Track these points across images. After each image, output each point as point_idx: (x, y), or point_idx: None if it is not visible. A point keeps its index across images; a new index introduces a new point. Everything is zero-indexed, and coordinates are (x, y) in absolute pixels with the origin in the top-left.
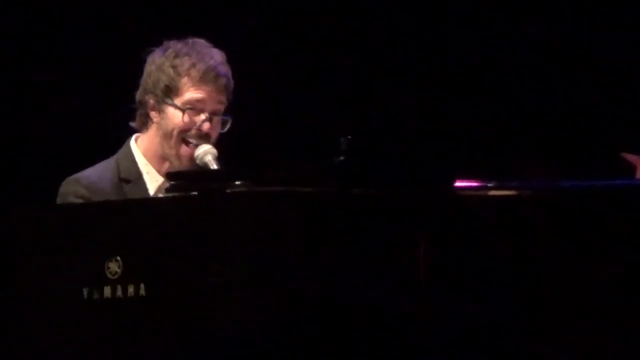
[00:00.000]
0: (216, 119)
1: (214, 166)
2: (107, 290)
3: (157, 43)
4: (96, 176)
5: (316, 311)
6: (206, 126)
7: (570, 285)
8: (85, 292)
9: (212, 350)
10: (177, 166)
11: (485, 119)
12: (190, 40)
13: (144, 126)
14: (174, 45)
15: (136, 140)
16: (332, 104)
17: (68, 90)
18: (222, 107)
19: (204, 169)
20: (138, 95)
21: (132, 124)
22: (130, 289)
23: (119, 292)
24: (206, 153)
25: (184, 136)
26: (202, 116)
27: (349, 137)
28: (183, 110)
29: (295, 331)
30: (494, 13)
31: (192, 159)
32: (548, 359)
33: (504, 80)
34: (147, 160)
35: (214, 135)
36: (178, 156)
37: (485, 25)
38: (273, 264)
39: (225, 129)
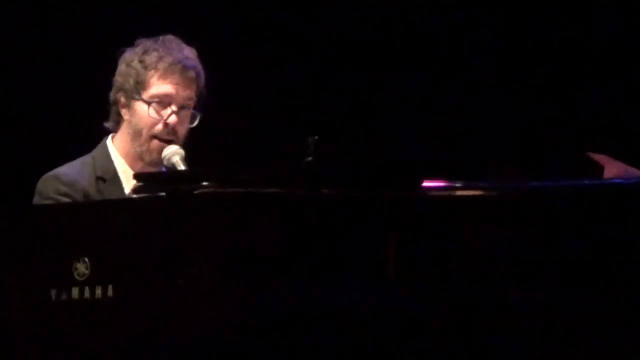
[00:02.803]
0: (184, 113)
1: (181, 167)
2: (75, 292)
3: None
4: (74, 173)
5: (285, 312)
6: (173, 120)
7: (538, 285)
8: (53, 293)
9: (181, 351)
10: (148, 160)
11: (452, 120)
12: (161, 37)
13: (117, 125)
14: (143, 43)
15: (112, 139)
16: (299, 104)
17: (40, 90)
18: (190, 102)
19: (171, 169)
20: (111, 94)
21: (106, 124)
22: (98, 290)
23: (87, 294)
24: (174, 154)
25: (152, 133)
26: (168, 110)
27: (317, 137)
28: (149, 104)
29: (264, 332)
30: (463, 13)
31: (161, 150)
32: (515, 357)
33: (470, 81)
34: (123, 159)
35: (182, 130)
36: (148, 152)
37: (454, 24)
38: (241, 265)
39: (194, 124)
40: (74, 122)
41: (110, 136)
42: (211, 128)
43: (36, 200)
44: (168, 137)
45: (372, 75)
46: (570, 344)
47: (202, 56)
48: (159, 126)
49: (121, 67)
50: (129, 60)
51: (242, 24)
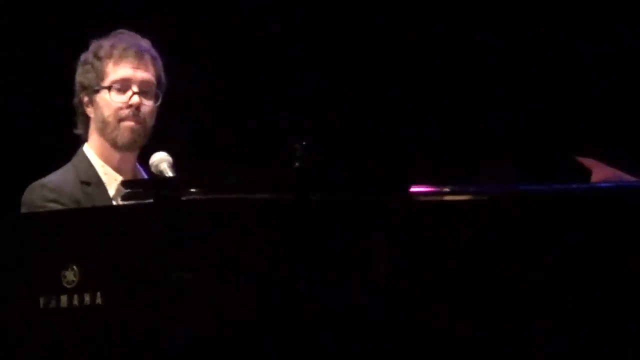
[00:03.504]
0: (146, 95)
1: (169, 173)
2: (64, 299)
3: None
4: (59, 180)
5: (275, 317)
6: (135, 100)
7: (527, 289)
8: (41, 301)
9: (171, 358)
10: (122, 143)
11: (440, 124)
12: (113, 32)
13: (87, 128)
14: (96, 41)
15: (88, 146)
16: (287, 109)
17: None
18: (150, 86)
19: (159, 176)
20: (75, 100)
21: (77, 131)
22: (87, 298)
23: (76, 301)
24: (161, 160)
25: (118, 117)
26: (129, 92)
27: (305, 142)
28: (109, 89)
29: (254, 338)
30: (444, 17)
31: (132, 130)
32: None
33: (457, 86)
34: (102, 161)
35: (147, 111)
36: (120, 134)
37: (441, 29)
38: (229, 271)
39: (157, 103)
40: (54, 132)
41: (85, 145)
42: (199, 134)
43: (24, 211)
44: (134, 119)
45: (360, 79)
46: (558, 347)
47: (189, 60)
48: (124, 110)
49: (79, 69)
50: (84, 60)
51: (230, 31)
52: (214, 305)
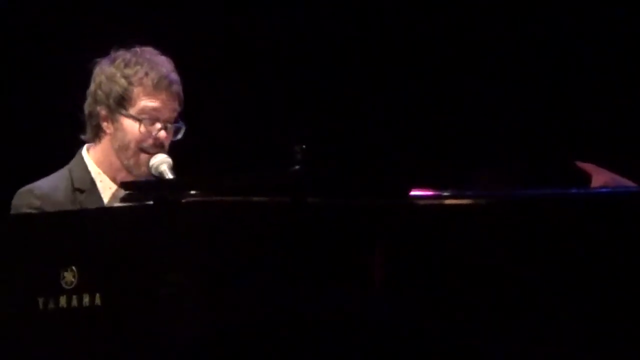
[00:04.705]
0: (170, 126)
1: (169, 175)
2: (63, 300)
3: (101, 53)
4: (49, 187)
5: (271, 320)
6: (162, 135)
7: (527, 292)
8: (40, 302)
9: (168, 359)
10: (137, 174)
11: (440, 128)
12: (137, 49)
13: (95, 137)
14: (123, 55)
15: (88, 150)
16: (287, 112)
17: (16, 103)
18: (175, 115)
19: (159, 178)
20: (88, 106)
21: (83, 137)
22: (86, 299)
23: (75, 302)
24: (161, 162)
25: (140, 146)
26: (158, 125)
27: (304, 146)
28: (140, 121)
29: (249, 341)
30: (442, 18)
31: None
32: None
33: (457, 90)
34: (100, 169)
35: (168, 143)
36: (137, 165)
37: (439, 31)
38: (228, 274)
39: (179, 137)
40: (53, 133)
41: (85, 147)
42: (199, 136)
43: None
44: (155, 150)
45: (360, 81)
46: (558, 350)
47: (187, 63)
48: (149, 141)
49: (100, 79)
50: (110, 74)
51: (227, 30)
52: (212, 308)
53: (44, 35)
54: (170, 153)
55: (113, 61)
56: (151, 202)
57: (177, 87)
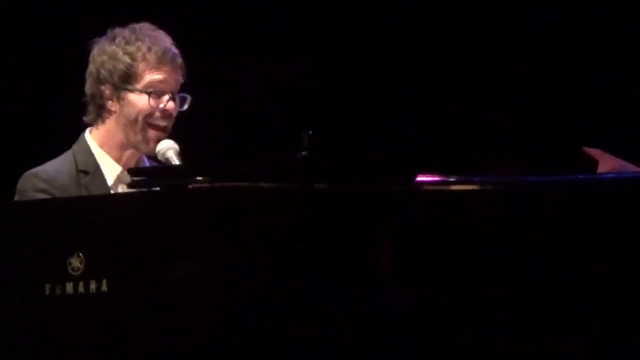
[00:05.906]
0: (177, 97)
1: (175, 162)
2: (69, 287)
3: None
4: (54, 170)
5: (279, 307)
6: (171, 106)
7: (534, 279)
8: (47, 288)
9: (174, 346)
10: (145, 151)
11: (446, 114)
12: (136, 26)
13: (98, 118)
14: (122, 33)
15: (90, 132)
16: (294, 98)
17: (16, 88)
18: (179, 86)
19: (165, 164)
20: (89, 88)
21: (85, 119)
22: (93, 285)
23: (81, 288)
24: (168, 148)
25: (148, 121)
26: (166, 97)
27: (311, 132)
28: (148, 94)
29: (257, 328)
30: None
31: (158, 140)
32: (509, 353)
33: (464, 75)
34: (104, 151)
35: (175, 115)
36: (145, 140)
37: (443, 20)
38: (235, 260)
39: (186, 107)
40: (55, 118)
41: (88, 130)
42: (206, 122)
43: (17, 198)
44: (163, 122)
45: (367, 69)
46: (567, 342)
47: (194, 49)
48: (156, 113)
49: (101, 58)
50: (112, 53)
51: (237, 19)
52: (219, 294)
53: (43, 22)
54: (176, 138)
55: (113, 40)
56: (158, 189)
57: (179, 59)
